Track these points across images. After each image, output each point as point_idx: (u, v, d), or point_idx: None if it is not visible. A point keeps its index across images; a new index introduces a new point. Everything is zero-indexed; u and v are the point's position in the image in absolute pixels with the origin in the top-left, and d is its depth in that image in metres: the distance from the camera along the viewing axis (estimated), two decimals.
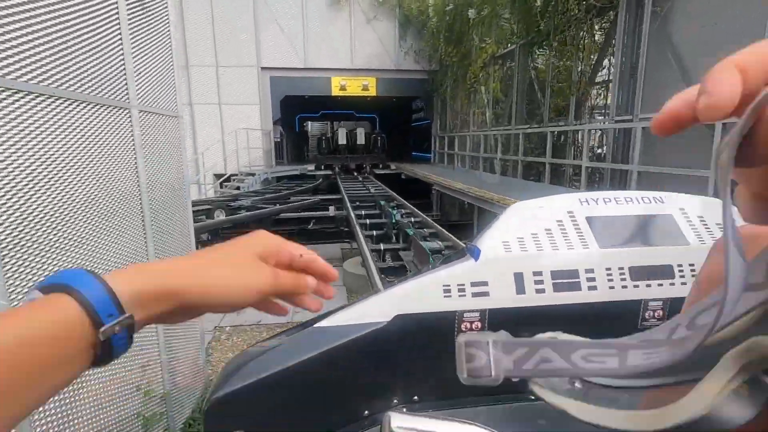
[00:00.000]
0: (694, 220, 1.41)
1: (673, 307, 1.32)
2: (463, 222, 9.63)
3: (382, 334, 1.21)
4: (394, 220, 5.88)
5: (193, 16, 12.49)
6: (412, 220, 6.12)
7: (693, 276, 1.34)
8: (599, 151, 8.40)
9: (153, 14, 3.53)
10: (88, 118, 2.51)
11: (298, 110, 20.44)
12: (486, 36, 9.33)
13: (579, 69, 6.37)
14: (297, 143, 19.83)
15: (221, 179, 12.67)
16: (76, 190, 2.41)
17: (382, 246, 4.79)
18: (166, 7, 3.80)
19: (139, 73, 3.19)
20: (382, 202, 7.32)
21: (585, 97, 6.71)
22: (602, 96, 8.23)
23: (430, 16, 11.64)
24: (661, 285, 1.33)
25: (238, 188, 11.40)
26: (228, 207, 7.39)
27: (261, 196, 9.44)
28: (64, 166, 2.33)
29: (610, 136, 5.54)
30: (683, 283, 1.33)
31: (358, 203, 8.02)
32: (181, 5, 12.33)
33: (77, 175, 2.42)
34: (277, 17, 12.90)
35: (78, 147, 2.44)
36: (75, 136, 2.41)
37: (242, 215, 7.28)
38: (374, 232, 5.64)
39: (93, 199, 2.55)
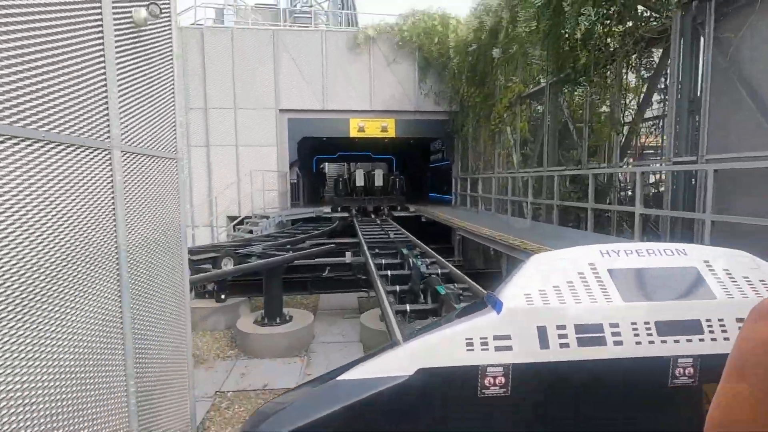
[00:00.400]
0: (720, 273, 1.36)
1: (704, 364, 1.24)
2: (490, 270, 8.86)
3: (404, 389, 1.18)
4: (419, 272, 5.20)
5: (214, 60, 12.61)
6: (439, 271, 5.44)
7: (723, 332, 1.29)
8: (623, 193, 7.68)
9: (152, 47, 3.11)
10: (44, 161, 1.99)
11: (316, 151, 20.40)
12: (512, 75, 8.95)
13: (624, 105, 5.81)
14: (313, 185, 19.62)
15: (235, 222, 12.29)
16: (23, 249, 1.84)
17: (408, 307, 4.09)
18: (170, 41, 3.40)
19: (127, 111, 2.71)
20: (405, 251, 6.66)
21: (632, 136, 6.11)
22: (642, 135, 7.62)
23: (451, 57, 11.42)
24: (690, 341, 1.26)
25: (251, 231, 10.94)
26: (237, 254, 6.82)
27: (274, 240, 8.91)
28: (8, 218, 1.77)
29: (668, 179, 4.86)
30: (713, 339, 1.26)
31: (377, 250, 7.38)
32: (203, 49, 12.48)
33: (21, 231, 1.85)
34: (297, 60, 12.94)
35: (28, 196, 1.89)
36: (24, 182, 1.87)
37: (252, 264, 6.71)
38: (397, 287, 4.95)
39: (47, 261, 1.98)
